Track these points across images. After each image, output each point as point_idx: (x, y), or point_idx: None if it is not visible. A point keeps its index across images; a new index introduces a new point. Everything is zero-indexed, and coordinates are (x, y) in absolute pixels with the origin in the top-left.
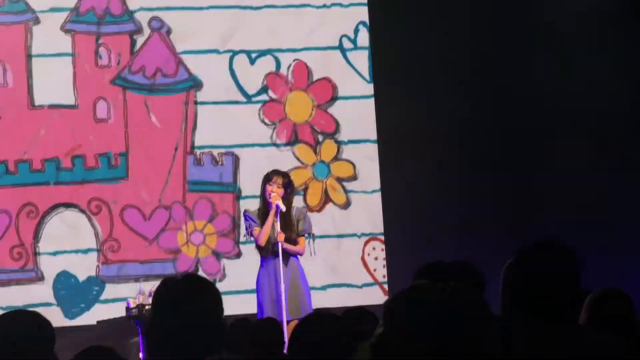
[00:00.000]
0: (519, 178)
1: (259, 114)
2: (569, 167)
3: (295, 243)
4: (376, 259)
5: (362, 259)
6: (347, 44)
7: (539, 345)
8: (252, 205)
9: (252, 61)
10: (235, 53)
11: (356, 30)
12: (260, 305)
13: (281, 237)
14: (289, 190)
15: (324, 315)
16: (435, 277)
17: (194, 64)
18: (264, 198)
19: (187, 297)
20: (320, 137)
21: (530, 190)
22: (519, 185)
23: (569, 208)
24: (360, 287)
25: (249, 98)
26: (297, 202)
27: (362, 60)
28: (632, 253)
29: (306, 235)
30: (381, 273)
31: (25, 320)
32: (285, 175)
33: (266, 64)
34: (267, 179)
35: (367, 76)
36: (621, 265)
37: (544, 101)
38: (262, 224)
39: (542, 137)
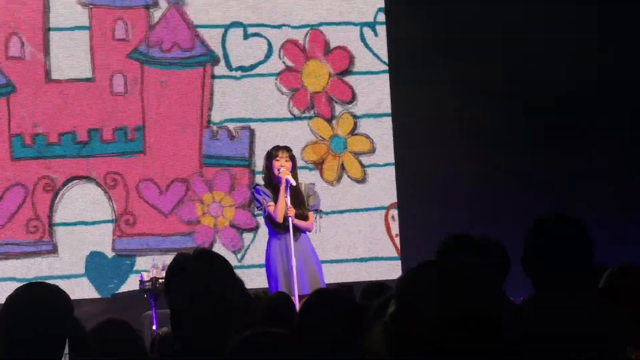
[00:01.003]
0: (535, 151)
1: (276, 83)
2: (589, 142)
3: (305, 218)
4: (397, 235)
5: (387, 229)
6: (366, 29)
7: (551, 316)
8: None
9: (266, 35)
10: (248, 26)
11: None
12: (274, 279)
13: (292, 212)
14: (294, 163)
15: (333, 290)
16: (460, 251)
17: (210, 37)
18: (269, 175)
19: (199, 272)
20: (336, 106)
21: (547, 162)
22: (535, 158)
23: (587, 181)
24: (381, 260)
25: (264, 71)
26: (314, 176)
27: (380, 42)
28: None
29: (314, 210)
30: (398, 241)
31: (42, 291)
32: (289, 149)
33: (280, 38)
34: (272, 155)
35: (385, 59)
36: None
37: (566, 75)
38: (274, 199)
39: (562, 112)
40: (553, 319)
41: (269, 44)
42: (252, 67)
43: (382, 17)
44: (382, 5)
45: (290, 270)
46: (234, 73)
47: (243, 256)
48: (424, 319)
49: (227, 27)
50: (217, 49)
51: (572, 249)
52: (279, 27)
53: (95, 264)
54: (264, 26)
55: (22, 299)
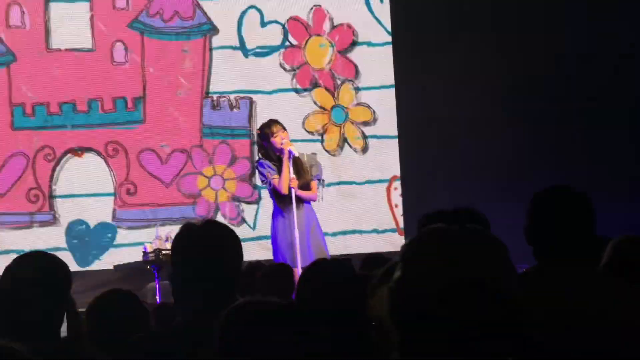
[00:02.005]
0: (542, 124)
1: (279, 60)
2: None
3: (308, 188)
4: (396, 206)
5: (388, 196)
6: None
7: (553, 286)
8: None
9: (274, 12)
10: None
11: None
12: (281, 253)
13: (295, 183)
14: (287, 131)
15: (333, 260)
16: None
17: (211, 8)
18: (268, 153)
19: (208, 242)
20: (339, 83)
21: (556, 134)
22: (542, 129)
23: (593, 157)
24: (382, 232)
25: (268, 45)
26: (316, 147)
27: (384, 10)
28: None
29: (317, 180)
30: (399, 213)
31: (41, 262)
32: (276, 121)
33: (284, 12)
34: (268, 134)
35: (388, 27)
36: None
37: (567, 48)
38: (278, 172)
39: (567, 84)
40: (556, 289)
41: (279, 24)
42: (263, 49)
43: None
44: None
45: (294, 241)
46: (233, 42)
47: (243, 229)
48: (430, 285)
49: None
50: (219, 23)
51: (574, 218)
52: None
53: (75, 234)
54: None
55: (20, 268)
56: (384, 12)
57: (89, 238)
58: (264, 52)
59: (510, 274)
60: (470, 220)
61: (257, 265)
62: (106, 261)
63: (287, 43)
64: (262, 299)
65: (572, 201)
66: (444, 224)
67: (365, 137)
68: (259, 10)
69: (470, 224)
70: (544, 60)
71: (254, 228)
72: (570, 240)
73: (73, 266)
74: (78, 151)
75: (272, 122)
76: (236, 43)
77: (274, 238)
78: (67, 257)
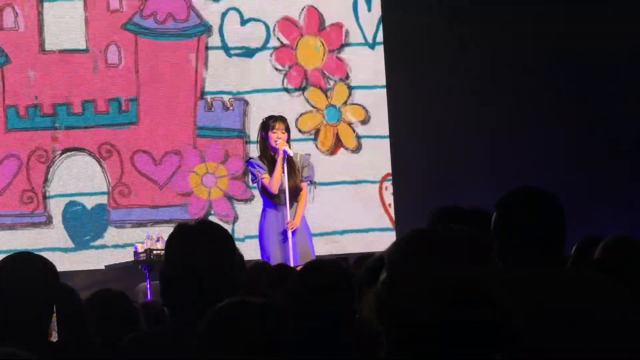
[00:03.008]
0: (528, 128)
1: (270, 59)
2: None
3: (299, 189)
4: (390, 205)
5: (381, 199)
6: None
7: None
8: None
9: (263, 11)
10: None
11: None
12: (267, 251)
13: (293, 226)
14: (289, 135)
15: (326, 261)
16: (450, 223)
17: (204, 9)
18: (264, 145)
19: (201, 242)
20: (331, 82)
21: (546, 135)
22: (528, 135)
23: (582, 158)
24: (376, 231)
25: (258, 47)
26: (310, 147)
27: (373, 16)
28: None
29: (308, 182)
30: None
31: (27, 263)
32: (284, 119)
33: (275, 12)
34: (269, 126)
35: (370, 40)
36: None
37: (558, 45)
38: (269, 170)
39: (559, 84)
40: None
41: (266, 25)
42: (250, 49)
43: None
44: None
45: (286, 241)
46: (227, 45)
47: (236, 227)
48: (415, 286)
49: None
50: (212, 22)
51: (540, 219)
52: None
53: (72, 214)
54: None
55: (6, 269)
56: (374, 15)
57: (85, 219)
58: (254, 51)
59: (494, 275)
60: (476, 220)
61: (259, 263)
62: (101, 242)
63: (278, 43)
64: (245, 298)
65: (537, 200)
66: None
67: (358, 136)
68: (244, 11)
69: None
70: (535, 59)
71: (246, 226)
72: (536, 241)
73: (81, 257)
74: (72, 152)
75: (278, 118)
76: (228, 44)
77: (261, 237)
78: (62, 257)
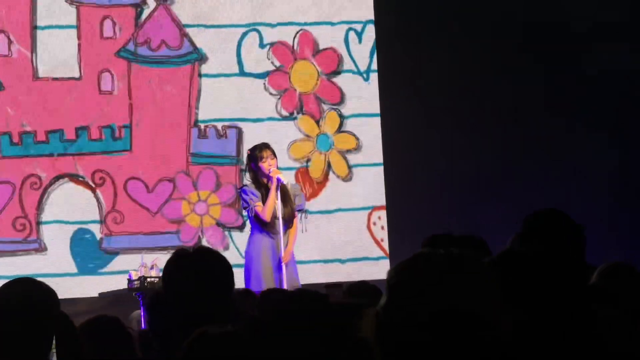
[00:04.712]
0: (526, 153)
1: (264, 84)
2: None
3: (292, 217)
4: (382, 228)
5: (369, 229)
6: (352, 38)
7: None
8: None
9: (259, 35)
10: (241, 27)
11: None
12: (256, 278)
13: (287, 257)
14: (277, 159)
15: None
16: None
17: (198, 36)
18: (256, 176)
19: (198, 269)
20: (324, 108)
21: (538, 165)
22: (526, 160)
23: (579, 178)
24: (367, 259)
25: (253, 71)
26: (301, 174)
27: (365, 47)
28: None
29: (300, 211)
30: (386, 243)
31: (28, 288)
32: (269, 145)
33: (271, 37)
34: (258, 157)
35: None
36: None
37: (555, 57)
38: (262, 197)
39: (554, 113)
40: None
41: (262, 46)
42: (253, 74)
43: (372, 21)
44: (371, 8)
45: (279, 270)
46: (220, 69)
47: (228, 255)
48: (414, 312)
49: (218, 31)
50: (206, 49)
51: (565, 247)
52: (271, 25)
53: (65, 241)
54: (256, 25)
55: (6, 295)
56: (366, 45)
57: (78, 246)
58: (254, 75)
59: (494, 301)
60: (469, 246)
61: (245, 291)
62: (95, 269)
63: (272, 67)
64: (220, 328)
65: (565, 228)
66: (437, 248)
67: (349, 165)
68: (239, 35)
69: (462, 249)
70: (525, 85)
71: (238, 254)
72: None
73: (74, 284)
74: (65, 178)
75: (263, 147)
76: (225, 70)
77: (251, 263)
78: (55, 284)
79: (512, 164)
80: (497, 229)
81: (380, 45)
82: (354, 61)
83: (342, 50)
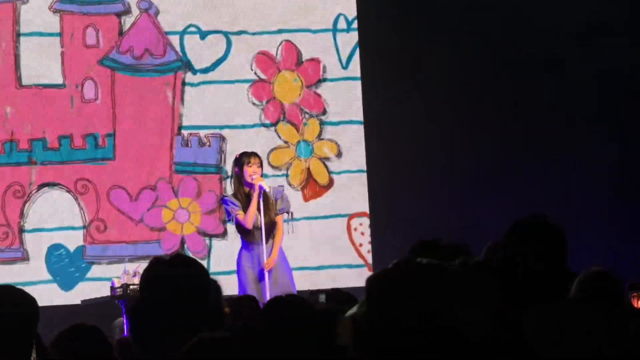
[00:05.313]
0: (526, 148)
1: (247, 94)
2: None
3: (274, 224)
4: (362, 234)
5: (350, 236)
6: (341, 25)
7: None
8: None
9: (240, 42)
10: (223, 34)
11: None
12: (243, 287)
13: (269, 265)
14: (262, 170)
15: (292, 296)
16: (428, 256)
17: (181, 44)
18: (239, 181)
19: (175, 277)
20: (307, 117)
21: (525, 173)
22: (526, 154)
23: (579, 173)
24: (348, 267)
25: (236, 79)
26: (281, 182)
27: (348, 43)
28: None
29: (284, 213)
30: (366, 249)
31: (8, 295)
32: (257, 155)
33: (254, 45)
34: (243, 162)
35: (344, 61)
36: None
37: (555, 51)
38: (243, 206)
39: (540, 107)
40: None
41: (244, 56)
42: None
43: (354, 25)
44: (355, 14)
45: (262, 280)
46: (203, 77)
47: (209, 262)
48: (396, 319)
49: (202, 35)
50: (189, 56)
51: (549, 255)
52: (253, 34)
53: (48, 249)
54: (240, 33)
55: None
56: (350, 47)
57: (69, 260)
58: (238, 83)
59: (473, 307)
60: (453, 253)
61: (227, 299)
62: (87, 285)
63: (255, 77)
64: (213, 334)
65: (548, 235)
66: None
67: (329, 172)
68: (229, 43)
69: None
70: (525, 79)
71: (219, 261)
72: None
73: (57, 292)
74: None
75: (251, 154)
76: (206, 78)
77: (239, 272)
78: (37, 292)
79: (512, 158)
80: (496, 223)
81: (367, 46)
82: (340, 61)
83: (328, 56)
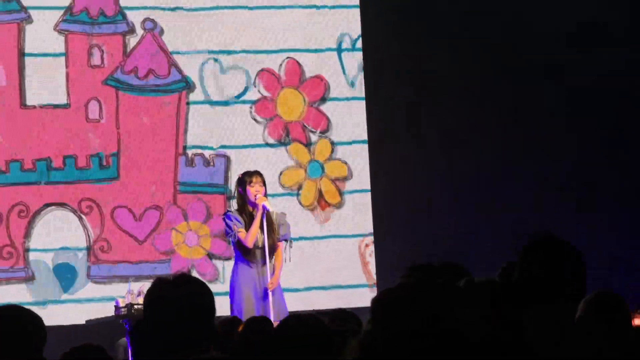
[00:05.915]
0: (526, 153)
1: (250, 112)
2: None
3: (275, 247)
4: (370, 255)
5: (362, 257)
6: (345, 45)
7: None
8: None
9: (243, 62)
10: (226, 53)
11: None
12: (237, 306)
13: (273, 285)
14: (266, 189)
15: (303, 316)
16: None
17: (186, 65)
18: (242, 201)
19: (179, 297)
20: (312, 136)
21: (539, 164)
22: (526, 160)
23: (564, 202)
24: (356, 287)
25: (238, 98)
26: (291, 201)
27: (352, 63)
28: None
29: (284, 240)
30: (374, 268)
31: (15, 316)
32: (260, 174)
33: (257, 64)
34: (246, 181)
35: (350, 79)
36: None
37: (555, 57)
38: (246, 225)
39: (540, 112)
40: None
41: (247, 74)
42: (229, 100)
43: (359, 44)
44: (359, 32)
45: (266, 299)
46: (208, 98)
47: (219, 285)
48: (398, 337)
49: (204, 59)
50: (193, 76)
51: (565, 271)
52: (255, 52)
53: (52, 269)
54: (241, 52)
55: None
56: (355, 66)
57: (73, 280)
58: (235, 103)
59: (474, 321)
60: (453, 275)
61: (232, 319)
62: (82, 297)
63: (258, 95)
64: (210, 356)
65: (563, 255)
66: (421, 277)
67: (341, 192)
68: (224, 61)
69: (447, 279)
70: (525, 85)
71: (223, 284)
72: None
73: (61, 312)
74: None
75: (254, 173)
76: (210, 97)
77: (233, 292)
78: (42, 312)
79: (512, 164)
80: (496, 230)
81: (368, 68)
82: (346, 78)
83: (334, 74)
